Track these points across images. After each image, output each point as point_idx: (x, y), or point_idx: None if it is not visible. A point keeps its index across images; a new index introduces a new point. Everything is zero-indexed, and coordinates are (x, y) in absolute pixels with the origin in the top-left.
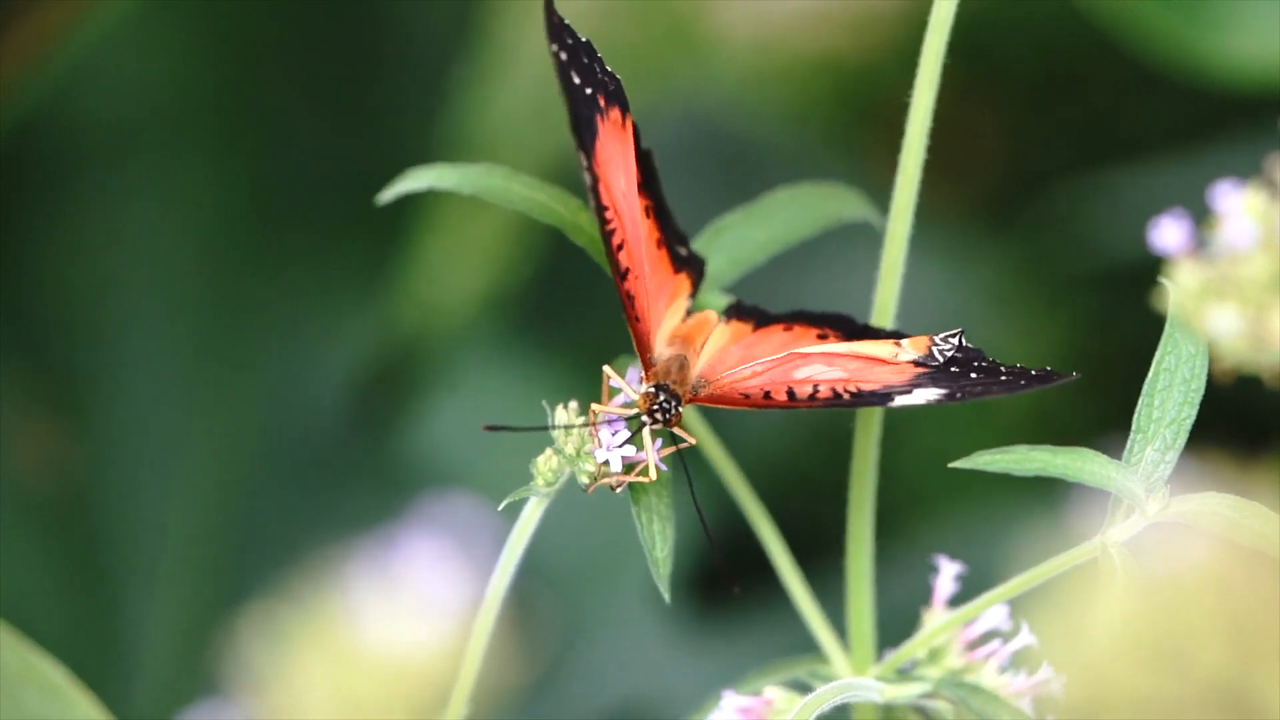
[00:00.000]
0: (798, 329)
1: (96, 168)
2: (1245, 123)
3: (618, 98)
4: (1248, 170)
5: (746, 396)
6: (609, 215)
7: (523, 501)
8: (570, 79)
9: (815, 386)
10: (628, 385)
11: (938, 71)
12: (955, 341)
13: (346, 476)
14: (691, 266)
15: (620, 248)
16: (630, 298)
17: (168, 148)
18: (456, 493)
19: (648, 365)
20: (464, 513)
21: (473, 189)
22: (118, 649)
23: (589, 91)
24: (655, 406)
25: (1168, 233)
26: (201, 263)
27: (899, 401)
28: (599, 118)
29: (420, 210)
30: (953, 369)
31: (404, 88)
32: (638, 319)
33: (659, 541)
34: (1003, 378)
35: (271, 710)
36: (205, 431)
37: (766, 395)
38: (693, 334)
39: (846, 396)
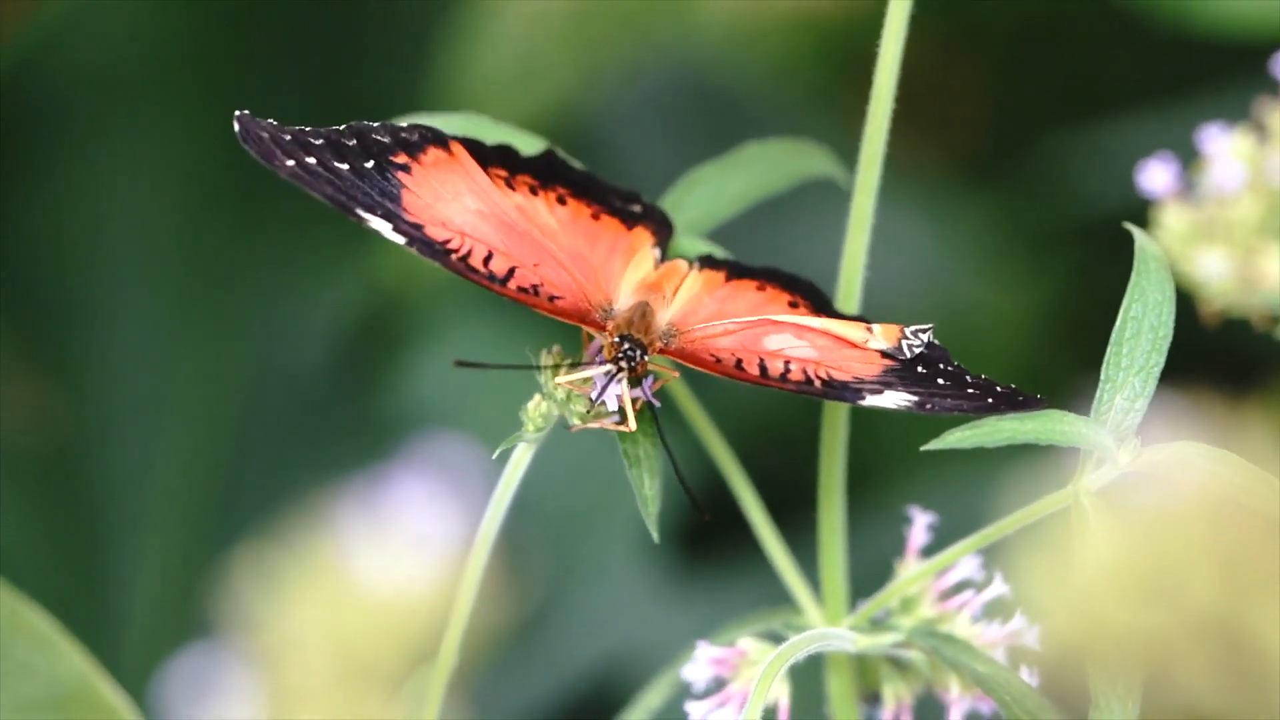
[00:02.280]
0: (770, 290)
1: (81, 124)
2: (1230, 72)
3: (427, 140)
4: (1234, 120)
5: (718, 360)
6: (453, 244)
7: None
8: (328, 174)
9: (787, 364)
10: (603, 337)
11: (904, 22)
12: (925, 337)
13: (332, 428)
14: (649, 218)
15: (489, 258)
16: (530, 290)
17: (152, 104)
18: (445, 434)
19: (596, 326)
20: (453, 453)
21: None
22: (106, 599)
23: (368, 165)
24: (620, 355)
25: (1155, 175)
26: (186, 217)
27: (869, 401)
28: (401, 174)
29: None
30: (919, 367)
31: (388, 45)
32: (553, 298)
33: (647, 479)
34: (969, 390)
35: (264, 652)
36: (191, 384)
37: (739, 365)
38: (661, 281)
39: (818, 383)
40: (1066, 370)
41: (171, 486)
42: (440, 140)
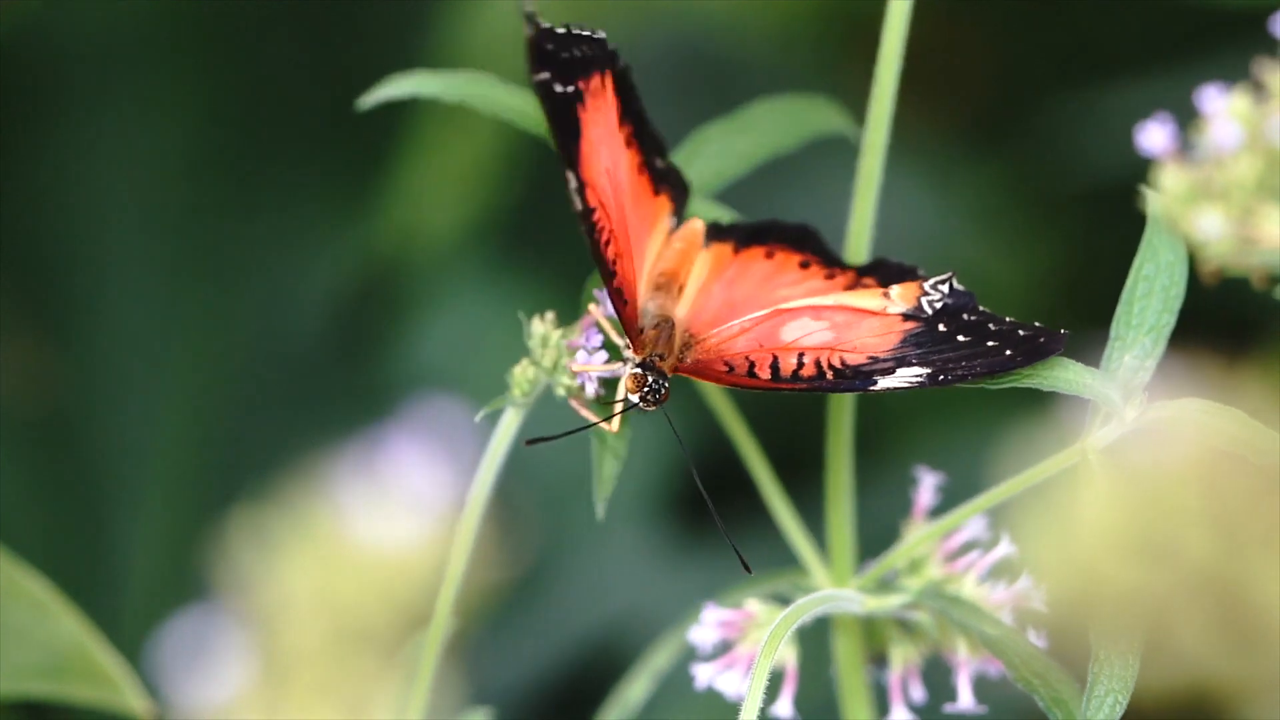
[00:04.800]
0: (779, 255)
1: (80, 86)
2: (1231, 36)
3: (596, 62)
4: (1235, 82)
5: (730, 370)
6: (597, 217)
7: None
8: (554, 93)
9: (800, 357)
10: (605, 321)
11: None
12: (945, 289)
13: (330, 392)
14: (669, 181)
15: (609, 242)
16: (619, 292)
17: (152, 66)
18: (441, 396)
19: (634, 337)
20: (449, 414)
21: (457, 96)
22: (104, 564)
23: (570, 89)
24: (646, 389)
25: (1153, 135)
26: (185, 181)
27: (881, 384)
28: (579, 108)
29: (403, 132)
30: (941, 326)
31: (386, 13)
32: (625, 304)
33: (609, 462)
34: (989, 343)
35: (259, 614)
36: (189, 348)
37: (751, 370)
38: (678, 268)
39: (830, 375)
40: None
41: (169, 450)
42: (604, 63)
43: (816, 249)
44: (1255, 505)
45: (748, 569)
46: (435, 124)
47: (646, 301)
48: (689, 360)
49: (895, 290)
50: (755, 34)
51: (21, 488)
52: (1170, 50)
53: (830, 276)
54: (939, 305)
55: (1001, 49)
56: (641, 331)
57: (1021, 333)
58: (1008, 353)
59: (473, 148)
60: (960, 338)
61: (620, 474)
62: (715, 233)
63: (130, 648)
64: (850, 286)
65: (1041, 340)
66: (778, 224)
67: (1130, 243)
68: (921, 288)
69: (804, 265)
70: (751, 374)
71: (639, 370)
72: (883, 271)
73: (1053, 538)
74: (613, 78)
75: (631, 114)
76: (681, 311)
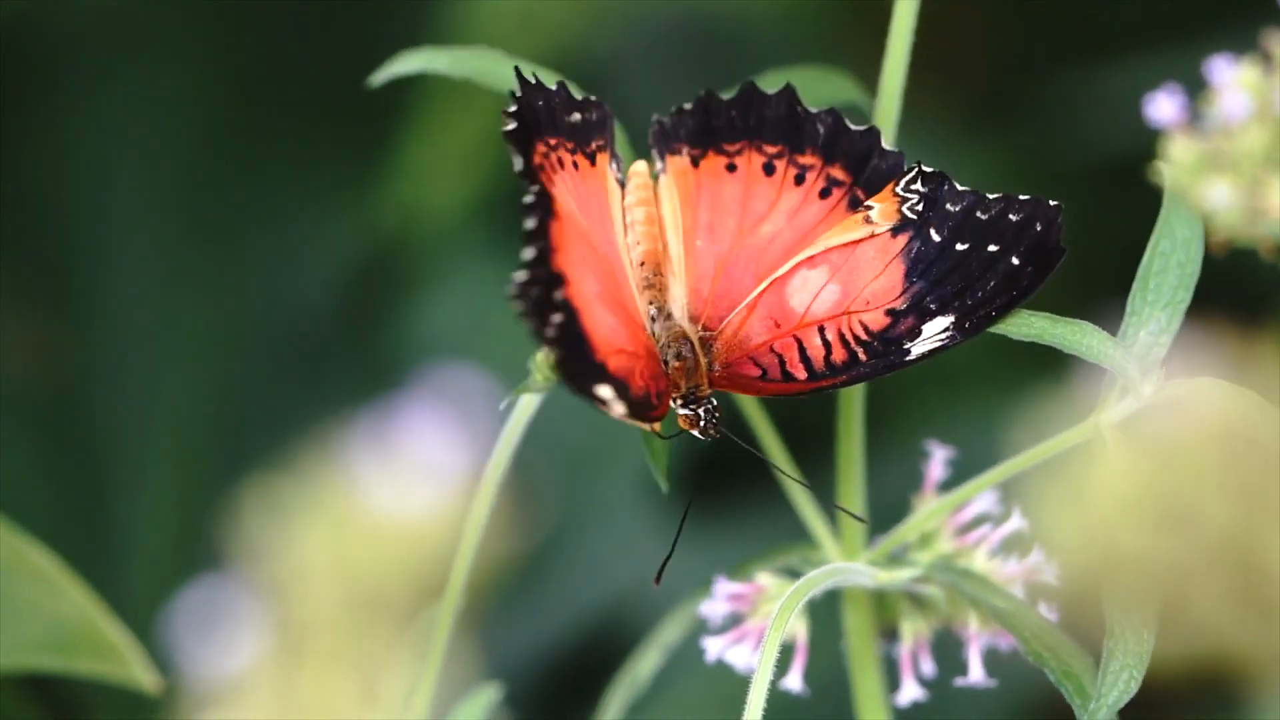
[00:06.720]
0: (741, 164)
1: (85, 62)
2: (1236, 12)
3: (596, 128)
4: (1240, 56)
5: (764, 373)
6: (581, 312)
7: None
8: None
9: (823, 334)
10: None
11: None
12: (919, 186)
13: (339, 363)
14: (595, 124)
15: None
16: (625, 365)
17: (157, 42)
18: (455, 364)
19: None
20: (463, 383)
21: (465, 71)
22: (112, 536)
23: (542, 182)
24: (701, 424)
25: (1162, 105)
26: (189, 157)
27: (915, 351)
28: (552, 201)
29: (408, 108)
30: (933, 232)
31: None
32: (646, 353)
33: (658, 447)
34: (990, 246)
35: (272, 584)
36: (195, 323)
37: (784, 369)
38: (652, 245)
39: (862, 354)
40: (1069, 311)
41: (177, 422)
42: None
43: (772, 131)
44: (1267, 486)
45: (860, 519)
46: (440, 101)
47: (648, 310)
48: (718, 369)
49: (875, 209)
50: (759, 14)
51: (29, 461)
52: (1174, 25)
53: (800, 180)
54: (920, 206)
55: (1005, 25)
56: (667, 365)
57: (1012, 216)
58: (1014, 261)
59: (477, 125)
60: (959, 246)
61: (631, 449)
62: (662, 139)
63: (138, 622)
64: (824, 191)
65: (1039, 229)
66: (718, 103)
67: (1135, 218)
68: (895, 194)
69: (768, 171)
70: (786, 374)
71: (686, 411)
72: (844, 149)
73: (1065, 512)
74: (563, 130)
75: (542, 121)
76: (679, 297)
